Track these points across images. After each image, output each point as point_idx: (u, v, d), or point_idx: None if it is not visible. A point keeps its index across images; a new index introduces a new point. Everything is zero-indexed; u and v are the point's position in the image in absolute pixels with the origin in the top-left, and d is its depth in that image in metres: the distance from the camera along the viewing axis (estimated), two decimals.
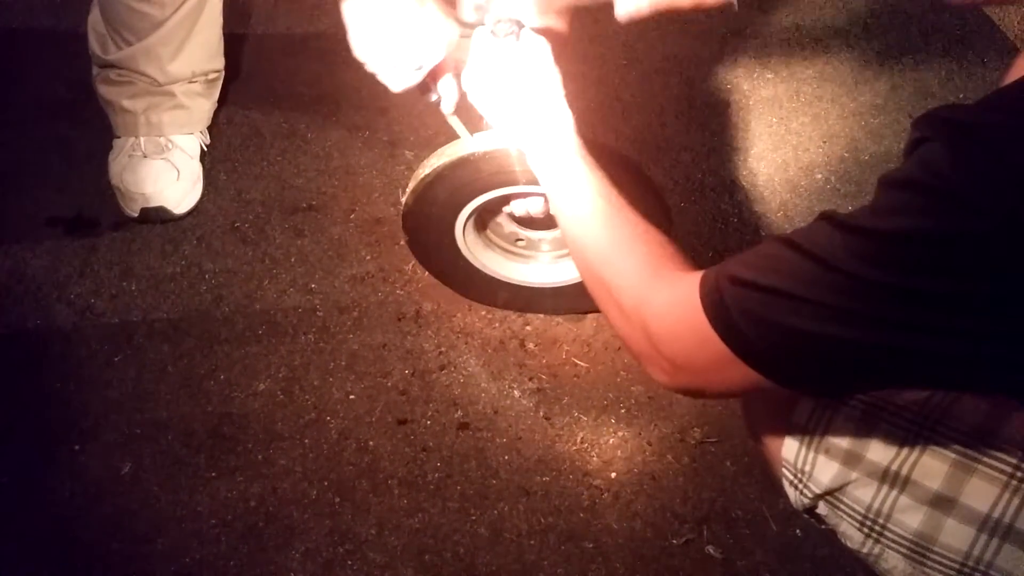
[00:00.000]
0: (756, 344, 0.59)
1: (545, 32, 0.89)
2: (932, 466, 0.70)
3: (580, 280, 1.15)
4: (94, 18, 1.30)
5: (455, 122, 0.99)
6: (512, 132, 0.89)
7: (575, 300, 1.21)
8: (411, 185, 1.04)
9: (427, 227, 1.11)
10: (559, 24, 0.93)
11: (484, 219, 1.15)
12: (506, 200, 1.08)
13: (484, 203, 1.06)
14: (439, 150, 1.01)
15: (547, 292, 1.20)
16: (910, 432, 0.71)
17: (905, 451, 0.71)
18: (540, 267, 1.19)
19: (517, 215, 1.10)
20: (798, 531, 1.07)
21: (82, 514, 1.08)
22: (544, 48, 0.87)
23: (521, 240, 1.18)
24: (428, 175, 1.01)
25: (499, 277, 1.19)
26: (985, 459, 0.68)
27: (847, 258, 0.54)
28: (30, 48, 1.58)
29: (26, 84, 1.52)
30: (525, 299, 1.23)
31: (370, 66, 0.90)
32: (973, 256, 0.50)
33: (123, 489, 1.10)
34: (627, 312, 0.70)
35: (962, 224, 0.50)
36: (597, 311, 1.25)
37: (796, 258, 0.58)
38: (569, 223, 0.80)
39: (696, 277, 0.65)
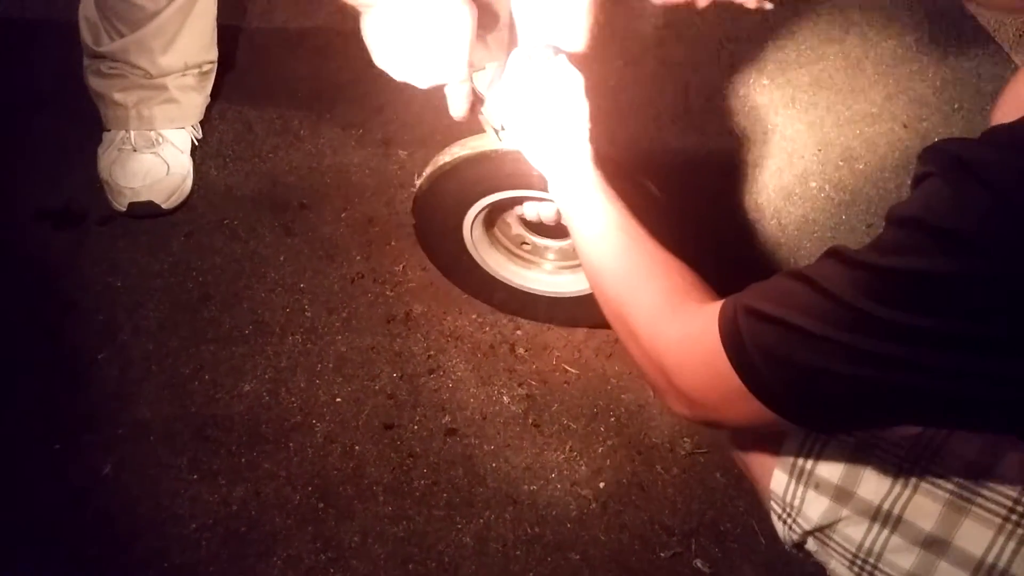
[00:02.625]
0: (767, 379, 0.59)
1: (577, 61, 0.89)
2: (925, 506, 0.69)
3: (576, 294, 1.15)
4: (86, 7, 1.27)
5: (484, 120, 0.97)
6: (534, 157, 0.88)
7: (570, 312, 1.20)
8: (428, 170, 1.02)
9: (436, 215, 1.09)
10: (578, 40, 0.92)
11: (494, 216, 1.14)
12: (519, 201, 1.07)
13: (497, 201, 1.04)
14: (463, 140, 0.99)
15: (544, 300, 1.19)
16: (902, 469, 0.70)
17: (897, 489, 0.70)
18: (541, 274, 1.18)
19: (528, 218, 1.08)
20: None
21: (62, 515, 1.07)
22: (577, 79, 0.87)
23: (527, 244, 1.17)
24: (447, 163, 0.99)
25: (498, 277, 1.18)
26: (979, 499, 0.68)
27: (855, 294, 0.54)
28: (20, 38, 1.55)
29: (15, 75, 1.50)
30: (520, 303, 1.22)
31: (396, 76, 0.89)
32: (979, 297, 0.50)
33: (104, 490, 1.08)
34: (644, 346, 0.69)
35: (965, 265, 0.50)
36: (590, 327, 1.24)
37: (808, 293, 0.58)
38: (588, 256, 0.79)
39: (715, 308, 0.64)
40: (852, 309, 0.54)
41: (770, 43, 1.63)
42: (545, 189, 0.97)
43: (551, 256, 1.17)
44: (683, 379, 0.65)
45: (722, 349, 0.61)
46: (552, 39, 0.90)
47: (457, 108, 0.93)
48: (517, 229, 1.16)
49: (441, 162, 0.99)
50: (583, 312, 1.18)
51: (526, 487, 1.11)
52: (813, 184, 1.44)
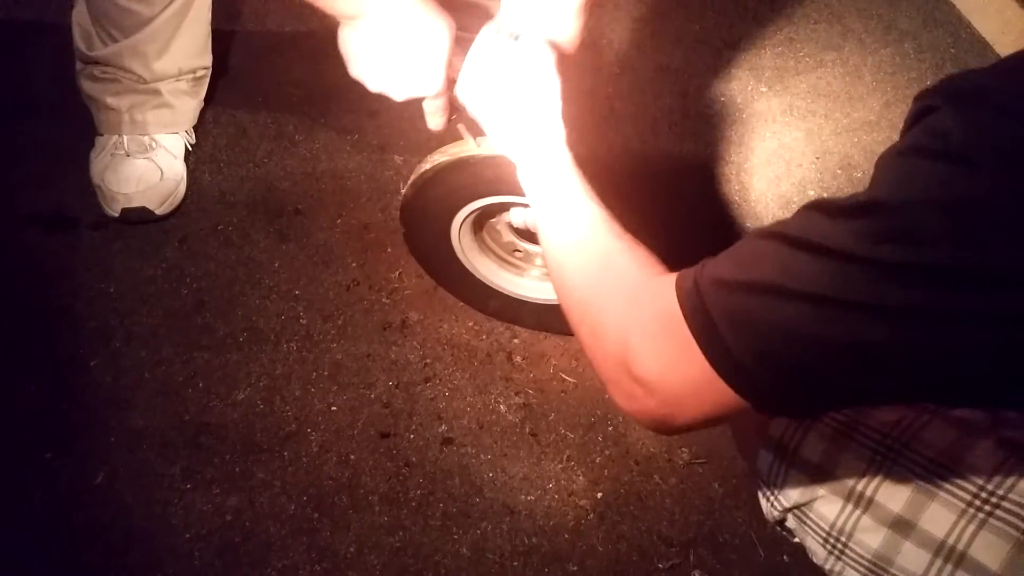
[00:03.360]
0: (739, 356, 0.54)
1: (552, 44, 0.86)
2: (895, 489, 0.70)
3: None
4: (79, 12, 1.26)
5: (462, 128, 0.96)
6: (502, 138, 0.86)
7: (563, 320, 1.19)
8: (412, 178, 1.02)
9: (423, 223, 1.09)
10: (567, 36, 0.90)
11: (482, 223, 1.13)
12: (505, 208, 1.06)
13: (482, 207, 1.04)
14: (443, 147, 0.99)
15: (540, 308, 1.18)
16: (877, 453, 0.71)
17: (871, 472, 0.71)
18: (533, 281, 1.17)
19: (516, 225, 1.08)
20: (785, 557, 1.06)
21: (54, 525, 1.05)
22: (547, 56, 0.84)
23: (519, 251, 1.16)
24: (428, 171, 0.99)
25: (491, 284, 1.17)
26: (946, 485, 0.68)
27: (849, 240, 0.49)
28: (13, 42, 1.53)
29: (7, 78, 1.48)
30: (515, 311, 1.21)
31: (372, 87, 0.88)
32: (992, 222, 0.45)
33: (96, 500, 1.07)
34: (599, 332, 0.65)
35: (974, 187, 0.45)
36: None
37: (786, 250, 0.52)
38: (551, 234, 0.77)
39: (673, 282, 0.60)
40: (849, 256, 0.49)
41: (768, 50, 1.62)
42: (522, 193, 0.96)
43: (540, 262, 1.16)
44: (644, 362, 0.60)
45: (686, 327, 0.56)
46: (540, 30, 0.87)
47: (434, 121, 0.93)
48: (508, 236, 1.15)
49: (423, 170, 0.99)
50: None
51: (523, 497, 1.10)
52: (811, 192, 1.44)
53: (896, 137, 1.57)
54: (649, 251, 0.70)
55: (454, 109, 0.93)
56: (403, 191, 1.05)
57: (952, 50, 1.64)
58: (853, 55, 1.63)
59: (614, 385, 0.64)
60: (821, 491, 0.74)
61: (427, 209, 1.05)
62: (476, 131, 0.94)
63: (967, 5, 1.71)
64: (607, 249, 0.71)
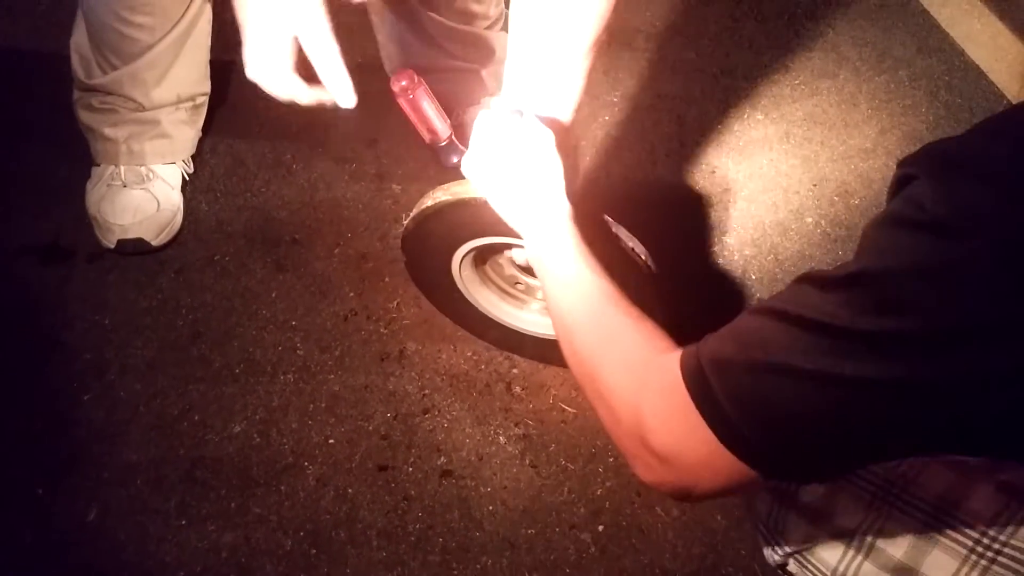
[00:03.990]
0: (747, 431, 0.55)
1: (549, 122, 0.87)
2: (896, 534, 0.70)
3: None
4: (78, 40, 1.26)
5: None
6: (507, 214, 0.87)
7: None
8: (413, 212, 1.02)
9: (424, 256, 1.09)
10: (562, 114, 0.91)
11: (484, 257, 1.12)
12: (506, 246, 1.05)
13: (482, 246, 1.03)
14: (446, 185, 0.99)
15: (540, 341, 1.17)
16: (876, 497, 0.71)
17: (871, 516, 0.71)
18: (532, 315, 1.16)
19: (519, 262, 1.07)
20: None
21: (44, 563, 1.03)
22: (547, 136, 0.84)
23: (520, 284, 1.15)
24: (430, 207, 0.98)
25: (490, 316, 1.16)
26: (948, 531, 0.68)
27: (839, 312, 0.51)
28: (10, 69, 1.53)
29: (3, 106, 1.48)
30: (515, 341, 1.20)
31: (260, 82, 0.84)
32: (970, 285, 0.47)
33: (88, 537, 1.05)
34: (614, 406, 0.66)
35: (952, 253, 0.47)
36: None
37: (782, 326, 0.54)
38: (558, 310, 0.77)
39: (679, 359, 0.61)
40: (841, 330, 0.50)
41: (764, 78, 1.63)
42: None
43: (542, 297, 1.15)
44: (659, 434, 0.61)
45: (694, 406, 0.58)
46: (537, 100, 0.88)
47: (448, 160, 0.93)
48: (510, 270, 1.14)
49: (424, 205, 0.99)
50: None
51: (524, 531, 1.09)
52: (809, 219, 1.44)
53: (891, 164, 1.57)
54: (655, 325, 0.71)
55: (458, 151, 0.93)
56: (405, 222, 1.05)
57: (946, 78, 1.65)
58: (848, 83, 1.63)
59: (633, 459, 0.65)
60: (822, 536, 0.73)
61: (428, 243, 1.05)
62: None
63: (960, 33, 1.73)
64: (614, 325, 0.71)
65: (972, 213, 0.47)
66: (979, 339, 0.47)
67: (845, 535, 0.72)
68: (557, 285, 0.78)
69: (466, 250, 1.04)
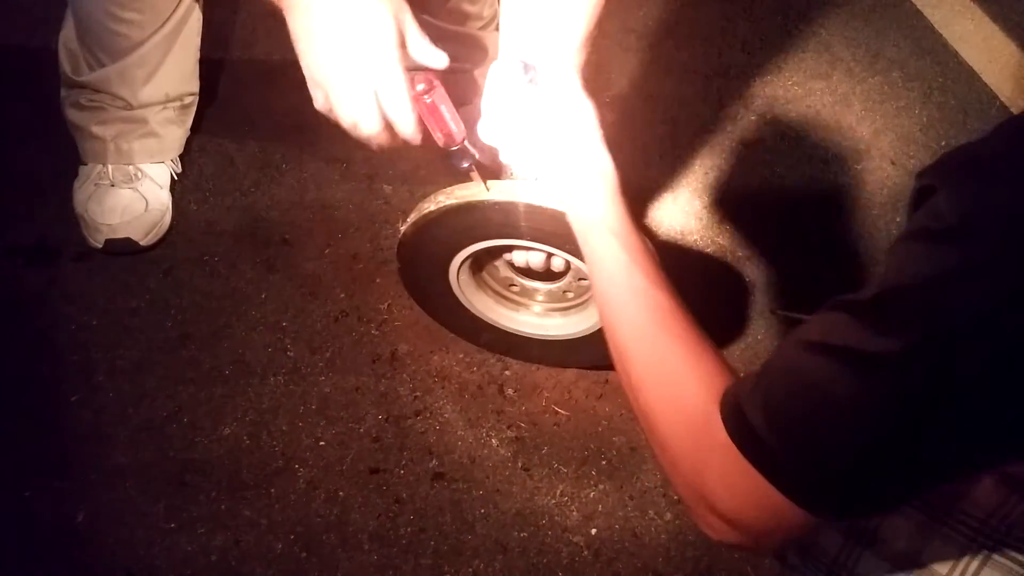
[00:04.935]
0: (805, 477, 0.54)
1: (563, 67, 0.82)
2: (897, 524, 0.67)
3: (565, 337, 1.12)
4: (66, 36, 1.24)
5: (474, 172, 0.94)
6: (546, 177, 0.80)
7: (560, 355, 1.18)
8: (412, 217, 1.00)
9: (421, 261, 1.07)
10: (572, 52, 0.86)
11: (481, 262, 1.11)
12: (507, 249, 1.04)
13: (483, 249, 1.02)
14: (448, 188, 0.97)
15: (533, 343, 1.16)
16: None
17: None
18: (529, 317, 1.15)
19: (518, 264, 1.06)
20: None
21: (32, 566, 1.02)
22: (574, 81, 0.78)
23: (515, 286, 1.14)
24: (433, 211, 0.97)
25: (485, 319, 1.15)
26: (949, 521, 0.65)
27: (866, 336, 0.50)
28: None
29: None
30: (508, 344, 1.19)
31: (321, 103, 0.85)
32: (995, 288, 0.46)
33: (76, 540, 1.04)
34: (679, 455, 0.62)
35: (975, 257, 0.47)
36: (579, 368, 1.21)
37: (817, 360, 0.53)
38: (609, 316, 0.72)
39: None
40: (866, 356, 0.49)
41: (757, 79, 1.63)
42: (533, 239, 0.95)
43: (540, 298, 1.15)
44: (724, 503, 0.58)
45: (749, 464, 0.55)
46: (542, 42, 0.82)
47: (460, 163, 0.90)
48: (505, 272, 1.13)
49: (426, 210, 0.97)
50: (573, 354, 1.16)
51: (516, 534, 1.08)
52: (803, 221, 1.43)
53: (885, 166, 1.56)
54: (713, 352, 0.67)
55: (470, 155, 0.90)
56: (402, 228, 1.03)
57: (940, 79, 1.65)
58: (841, 84, 1.63)
59: (697, 518, 0.63)
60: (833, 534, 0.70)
61: (427, 249, 1.03)
62: (487, 175, 0.93)
63: (954, 34, 1.73)
64: (671, 357, 0.67)
65: (993, 212, 0.47)
66: (1004, 337, 0.46)
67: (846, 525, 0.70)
68: (605, 277, 0.73)
69: (466, 255, 1.03)
